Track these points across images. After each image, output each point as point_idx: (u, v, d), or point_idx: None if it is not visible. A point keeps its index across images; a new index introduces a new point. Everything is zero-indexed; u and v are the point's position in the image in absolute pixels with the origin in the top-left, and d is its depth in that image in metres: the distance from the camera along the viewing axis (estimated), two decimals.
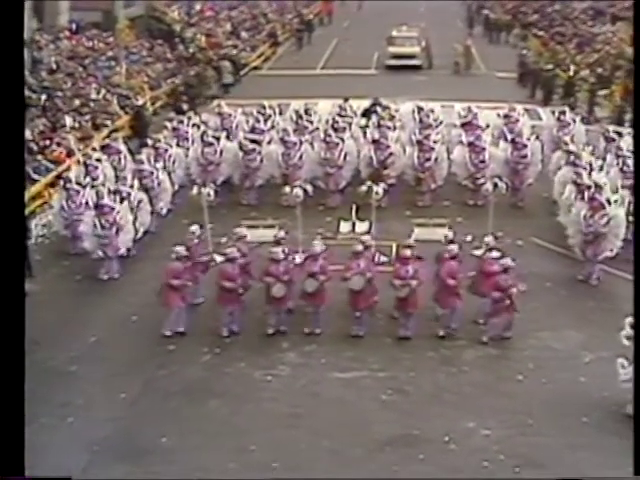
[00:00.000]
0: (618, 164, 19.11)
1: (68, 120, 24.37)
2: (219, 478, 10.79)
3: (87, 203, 17.39)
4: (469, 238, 16.78)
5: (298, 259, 14.70)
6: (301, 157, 20.42)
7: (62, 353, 13.80)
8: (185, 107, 27.11)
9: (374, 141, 20.58)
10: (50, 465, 10.86)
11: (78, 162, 19.45)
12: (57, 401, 12.46)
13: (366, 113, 24.16)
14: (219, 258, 14.87)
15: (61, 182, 18.42)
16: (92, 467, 10.99)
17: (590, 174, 17.81)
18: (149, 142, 21.15)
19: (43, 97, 26.15)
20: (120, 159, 19.91)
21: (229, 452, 11.30)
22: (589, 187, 16.67)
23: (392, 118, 22.59)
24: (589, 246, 16.24)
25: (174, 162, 20.32)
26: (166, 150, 20.31)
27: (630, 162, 18.79)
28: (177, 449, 11.37)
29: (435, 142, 20.53)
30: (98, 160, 19.24)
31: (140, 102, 27.74)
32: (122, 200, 16.96)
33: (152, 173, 18.76)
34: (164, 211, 19.04)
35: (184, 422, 12.01)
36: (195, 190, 17.60)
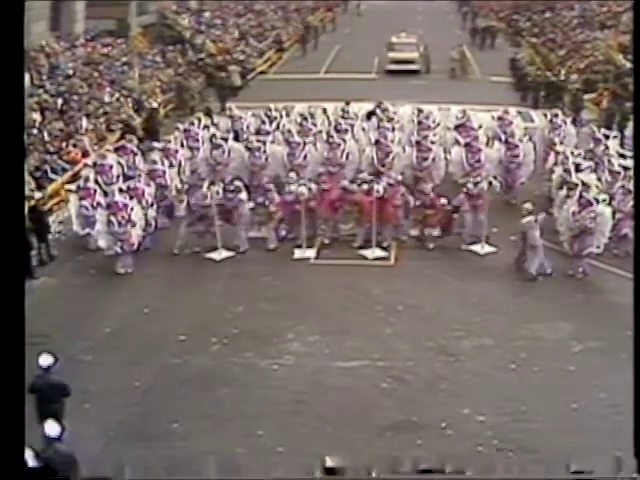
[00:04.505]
0: (606, 165, 19.09)
1: (84, 122, 24.36)
2: (228, 462, 10.81)
3: (100, 203, 17.32)
4: None
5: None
6: (305, 157, 20.41)
7: (79, 343, 13.81)
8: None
9: (375, 142, 20.57)
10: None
11: (93, 164, 19.35)
12: (74, 388, 12.40)
13: (369, 115, 24.08)
14: None
15: (76, 184, 18.31)
16: (108, 450, 11.01)
17: (578, 173, 17.83)
18: (160, 143, 21.10)
19: (60, 101, 26.11)
20: (134, 159, 19.89)
21: (237, 437, 11.31)
22: (578, 186, 16.69)
23: (390, 120, 22.58)
24: (576, 241, 16.25)
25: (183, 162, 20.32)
26: (176, 151, 20.29)
27: (616, 162, 18.80)
28: (188, 434, 11.40)
29: (433, 143, 20.46)
30: (111, 160, 19.21)
31: (154, 105, 27.70)
32: (137, 198, 16.94)
33: (164, 172, 18.76)
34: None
35: (195, 408, 12.03)
36: (204, 189, 17.59)
